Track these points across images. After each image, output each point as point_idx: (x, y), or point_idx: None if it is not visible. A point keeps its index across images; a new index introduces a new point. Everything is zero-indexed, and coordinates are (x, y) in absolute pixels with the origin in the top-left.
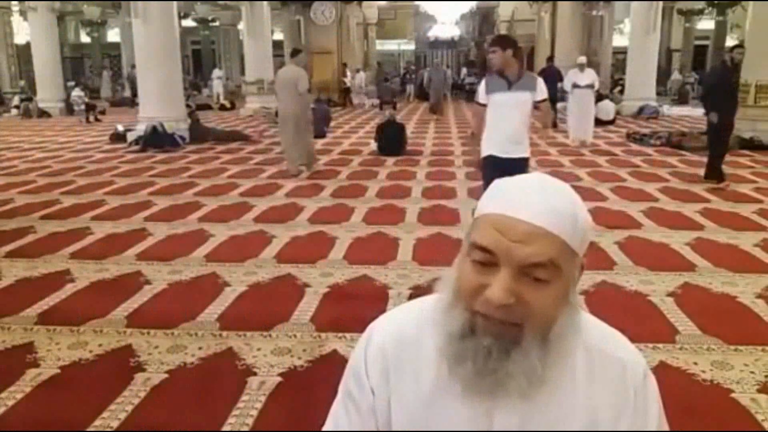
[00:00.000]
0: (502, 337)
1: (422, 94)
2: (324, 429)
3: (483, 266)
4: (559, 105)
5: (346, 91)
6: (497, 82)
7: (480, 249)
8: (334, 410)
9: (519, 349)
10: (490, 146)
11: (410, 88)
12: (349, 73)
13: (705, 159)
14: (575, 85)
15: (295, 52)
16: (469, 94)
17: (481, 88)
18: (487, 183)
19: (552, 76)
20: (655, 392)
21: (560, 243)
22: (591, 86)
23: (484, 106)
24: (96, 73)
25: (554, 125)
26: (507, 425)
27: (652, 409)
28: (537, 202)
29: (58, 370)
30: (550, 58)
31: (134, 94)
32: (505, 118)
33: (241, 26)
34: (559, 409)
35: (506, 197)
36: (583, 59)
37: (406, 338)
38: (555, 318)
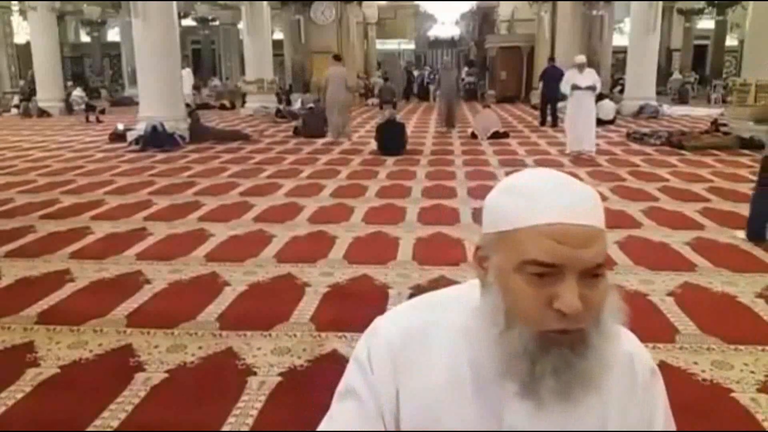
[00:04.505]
0: (574, 344)
1: (425, 96)
2: (321, 428)
3: (541, 278)
4: (560, 105)
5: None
6: None
7: (541, 264)
8: (333, 409)
9: (590, 349)
10: None
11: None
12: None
13: (707, 159)
14: (575, 87)
15: (338, 57)
16: (469, 95)
17: None
18: None
19: (554, 77)
20: (662, 387)
21: (605, 234)
22: (592, 88)
23: None
24: (96, 73)
25: (554, 124)
26: (516, 422)
27: (660, 404)
28: (578, 202)
29: (58, 370)
30: (552, 58)
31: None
32: None
33: (241, 26)
34: (569, 406)
35: (547, 203)
36: (581, 58)
37: (414, 334)
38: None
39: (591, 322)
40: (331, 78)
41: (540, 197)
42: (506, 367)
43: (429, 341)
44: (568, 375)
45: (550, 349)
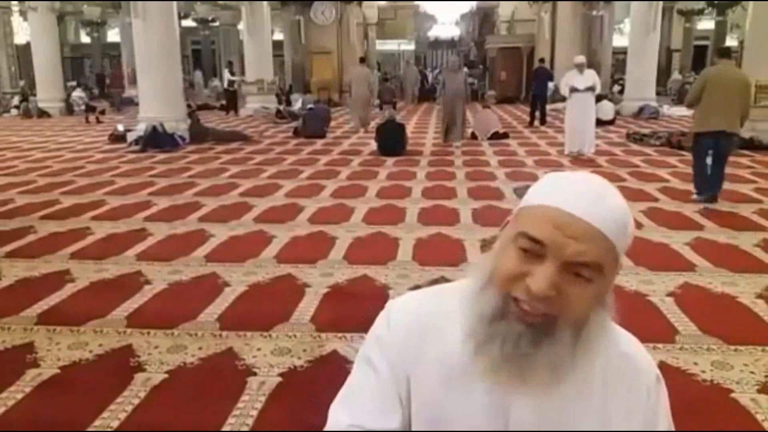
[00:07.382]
0: (534, 326)
1: (423, 97)
2: (340, 396)
3: (527, 254)
4: (554, 105)
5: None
6: None
7: (530, 239)
8: (352, 376)
9: (549, 340)
10: None
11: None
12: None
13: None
14: (574, 89)
15: (363, 60)
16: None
17: None
18: None
19: (543, 77)
20: (666, 397)
21: (610, 247)
22: (592, 89)
23: None
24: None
25: (543, 121)
26: (522, 419)
27: (663, 412)
28: (597, 203)
29: (58, 370)
30: (542, 59)
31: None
32: None
33: (241, 26)
34: (574, 406)
35: (566, 192)
36: (581, 59)
37: (430, 320)
38: (588, 316)
39: (564, 318)
40: (355, 77)
41: (559, 185)
42: (472, 325)
43: (444, 329)
44: (513, 350)
45: (509, 317)
